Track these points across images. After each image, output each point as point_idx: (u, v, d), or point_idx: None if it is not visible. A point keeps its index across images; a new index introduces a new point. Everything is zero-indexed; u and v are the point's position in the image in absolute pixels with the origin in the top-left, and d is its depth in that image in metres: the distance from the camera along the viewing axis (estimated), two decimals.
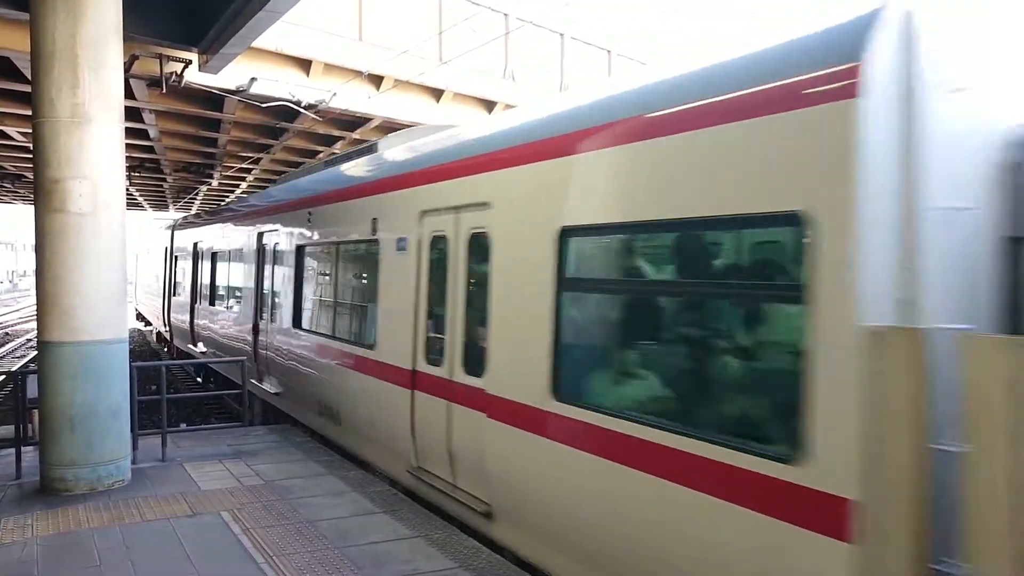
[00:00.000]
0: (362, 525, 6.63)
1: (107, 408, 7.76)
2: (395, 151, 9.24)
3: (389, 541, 6.24)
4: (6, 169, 25.81)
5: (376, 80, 15.28)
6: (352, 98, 15.17)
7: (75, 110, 7.53)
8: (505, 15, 16.60)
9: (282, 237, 11.93)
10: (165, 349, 24.95)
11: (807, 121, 3.80)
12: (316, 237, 10.56)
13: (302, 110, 14.89)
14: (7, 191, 31.60)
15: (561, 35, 18.04)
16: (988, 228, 3.71)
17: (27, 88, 10.21)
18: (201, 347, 17.79)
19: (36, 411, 8.17)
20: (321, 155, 20.43)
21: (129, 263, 7.16)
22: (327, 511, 7.01)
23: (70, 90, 7.51)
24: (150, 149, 20.85)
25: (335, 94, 14.74)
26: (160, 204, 39.07)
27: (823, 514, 3.57)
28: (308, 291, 10.96)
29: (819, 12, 4.21)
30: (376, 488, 7.75)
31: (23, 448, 8.33)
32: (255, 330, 12.88)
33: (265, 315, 12.54)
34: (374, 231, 8.50)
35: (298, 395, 10.93)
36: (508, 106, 16.43)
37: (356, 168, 10.23)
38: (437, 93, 16.43)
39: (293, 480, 8.05)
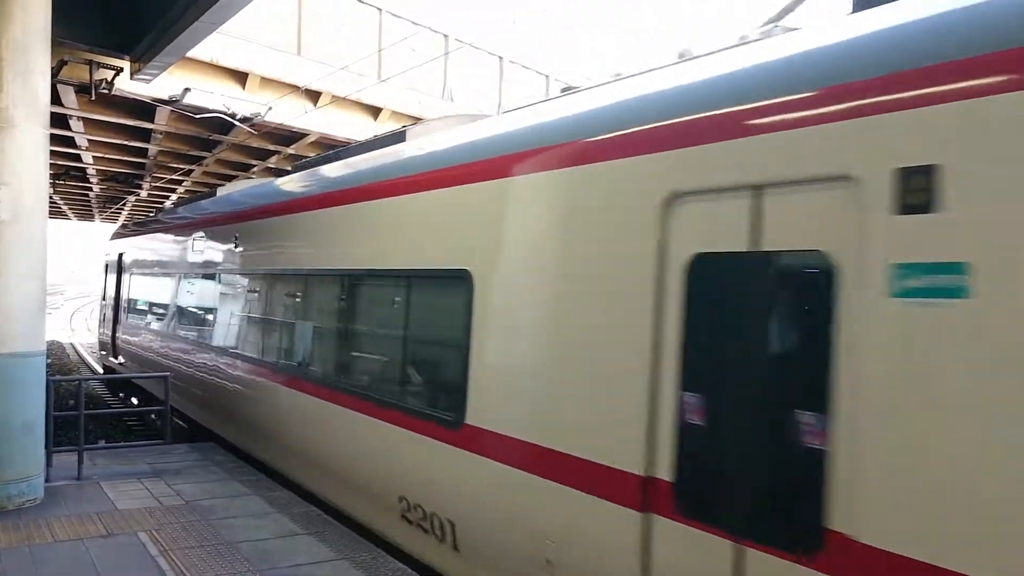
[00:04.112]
0: (285, 547, 6.52)
1: (21, 423, 7.47)
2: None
3: (312, 564, 6.15)
4: None
5: (314, 95, 15.17)
6: (289, 113, 15.04)
7: None
8: (445, 36, 16.72)
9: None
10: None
11: None
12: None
13: (237, 123, 14.69)
14: None
15: (500, 58, 18.23)
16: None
17: None
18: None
19: None
20: (255, 168, 20.17)
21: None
22: (249, 532, 6.87)
23: None
24: (76, 157, 20.25)
25: (271, 108, 14.60)
26: (85, 214, 37.92)
27: None
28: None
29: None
30: (300, 509, 7.63)
31: None
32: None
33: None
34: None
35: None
36: None
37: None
38: (375, 111, 16.40)
39: (215, 500, 7.88)
